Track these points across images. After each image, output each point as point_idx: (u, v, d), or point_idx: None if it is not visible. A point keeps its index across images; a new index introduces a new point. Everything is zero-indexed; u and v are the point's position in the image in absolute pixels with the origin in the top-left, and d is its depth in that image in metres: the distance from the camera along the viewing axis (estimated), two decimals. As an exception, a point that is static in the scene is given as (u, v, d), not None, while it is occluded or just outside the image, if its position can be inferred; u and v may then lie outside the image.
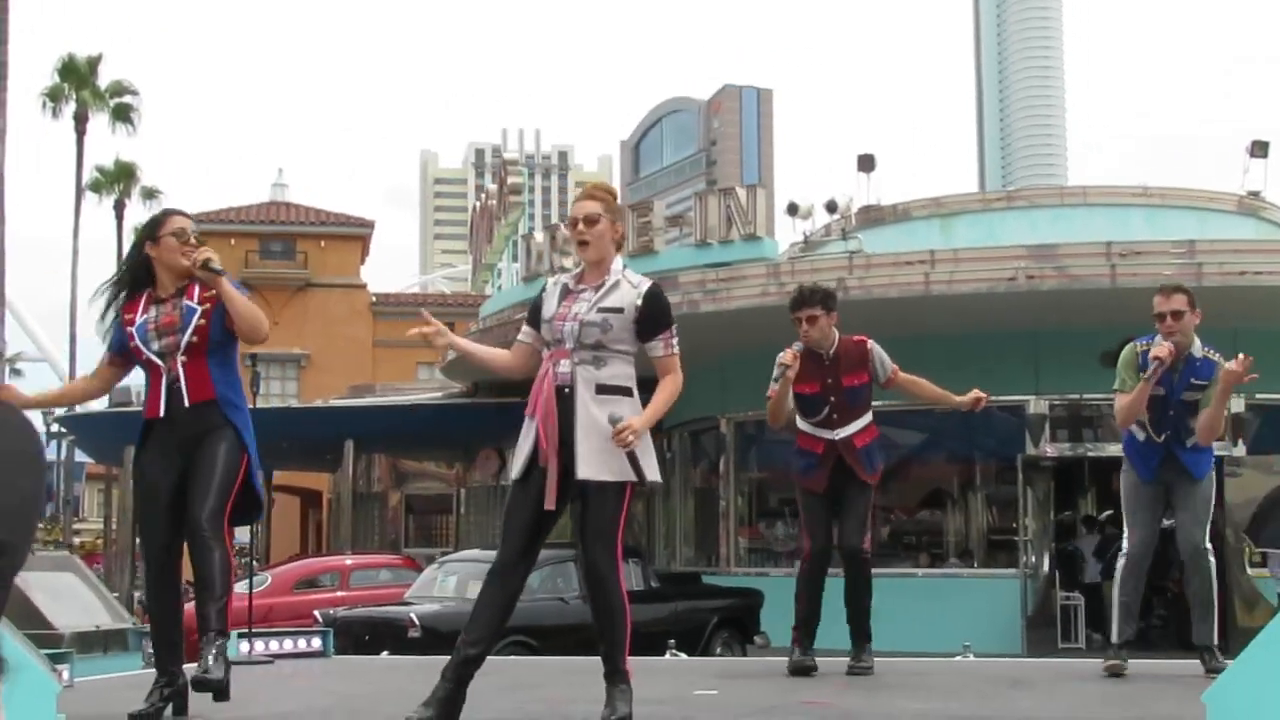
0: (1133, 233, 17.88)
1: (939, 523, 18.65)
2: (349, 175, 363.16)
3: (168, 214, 5.27)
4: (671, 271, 18.10)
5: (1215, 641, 6.53)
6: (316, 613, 13.16)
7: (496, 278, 30.74)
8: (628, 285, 4.77)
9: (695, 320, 16.11)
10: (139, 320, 5.07)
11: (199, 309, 5.01)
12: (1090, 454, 17.55)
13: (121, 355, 5.15)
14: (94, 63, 39.36)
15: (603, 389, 4.66)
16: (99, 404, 39.77)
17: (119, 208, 41.45)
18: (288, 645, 8.05)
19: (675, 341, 4.80)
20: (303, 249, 43.31)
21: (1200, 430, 6.47)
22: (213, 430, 4.96)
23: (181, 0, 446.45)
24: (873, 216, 21.52)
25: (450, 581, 13.54)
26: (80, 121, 38.77)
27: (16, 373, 46.42)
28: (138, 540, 25.88)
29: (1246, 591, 15.23)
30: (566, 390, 4.65)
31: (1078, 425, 17.51)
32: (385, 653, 10.43)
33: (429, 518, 30.28)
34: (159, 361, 5.01)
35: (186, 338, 4.98)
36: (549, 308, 4.81)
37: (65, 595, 9.79)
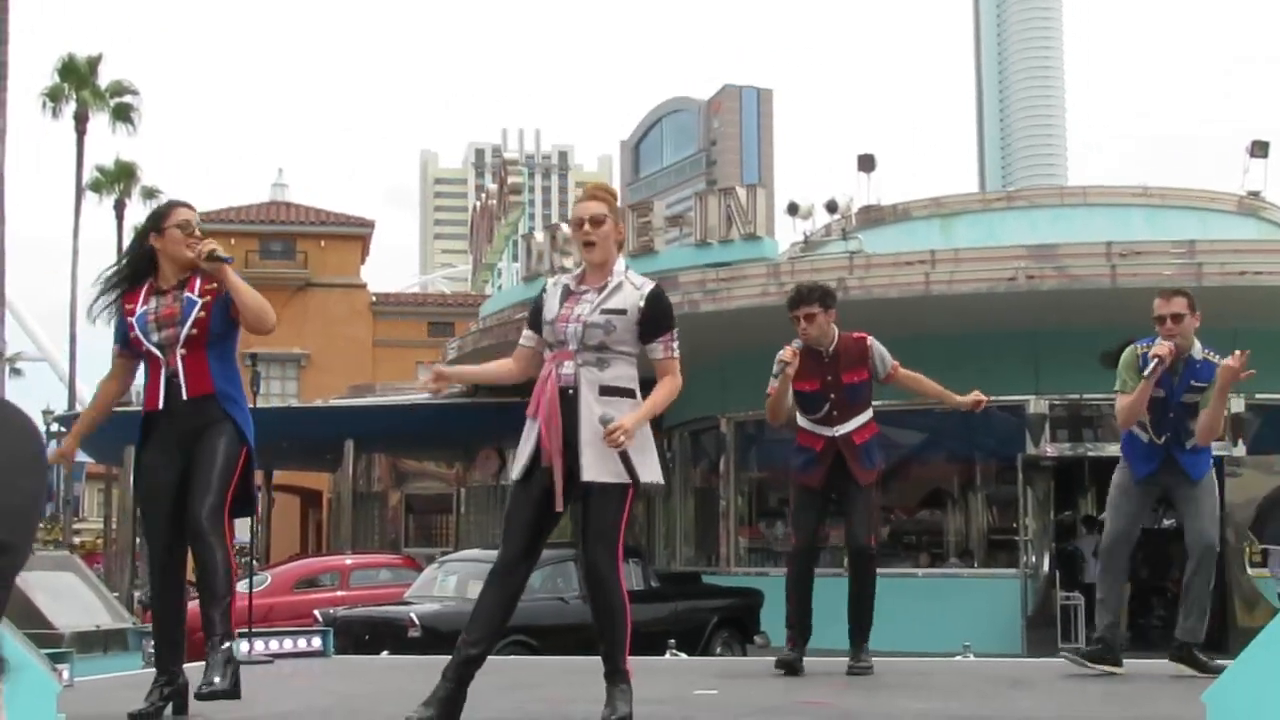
0: (1133, 233, 17.88)
1: (939, 522, 18.65)
2: (349, 175, 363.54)
3: (173, 205, 5.24)
4: (672, 271, 18.11)
5: (1202, 639, 6.52)
6: (316, 612, 13.15)
7: (497, 277, 30.75)
8: (630, 287, 4.77)
9: (695, 320, 16.11)
10: (139, 311, 5.06)
11: (199, 301, 5.00)
12: (1090, 454, 17.55)
13: (128, 348, 5.14)
14: (94, 62, 39.36)
15: (606, 390, 4.66)
16: (99, 404, 39.82)
17: (119, 207, 41.45)
18: (288, 645, 8.05)
19: (676, 345, 4.79)
20: (303, 249, 43.31)
21: (1200, 430, 6.48)
22: (212, 425, 4.95)
23: (181, 0, 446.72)
24: (873, 216, 21.53)
25: (450, 581, 13.55)
26: (80, 121, 38.76)
27: (16, 372, 46.45)
28: (138, 540, 25.92)
29: (1247, 591, 15.24)
30: (570, 391, 4.64)
31: (1078, 425, 17.51)
32: (385, 652, 10.43)
33: (429, 517, 30.28)
34: (158, 354, 5.00)
35: (186, 330, 4.97)
36: (550, 309, 4.80)
37: (65, 595, 9.79)
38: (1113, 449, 13.33)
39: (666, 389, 4.77)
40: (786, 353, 6.63)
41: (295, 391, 40.69)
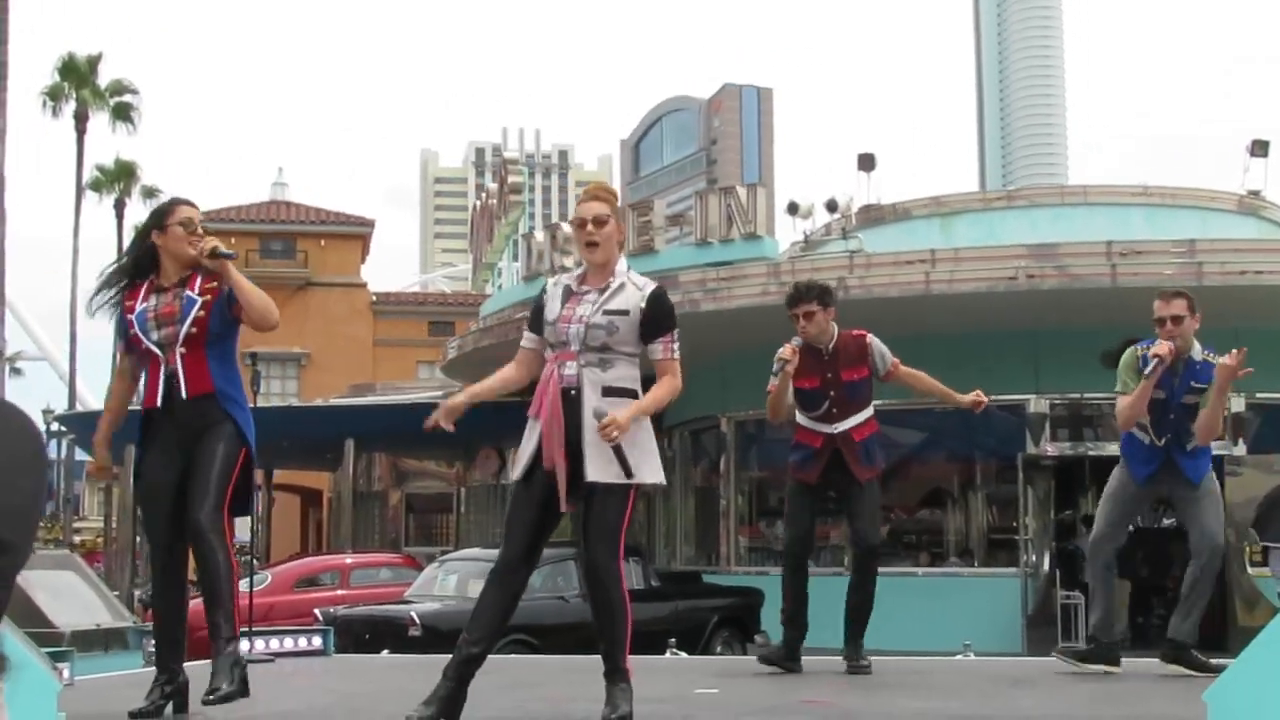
0: (1133, 232, 17.88)
1: (939, 522, 18.65)
2: (349, 175, 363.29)
3: (175, 203, 5.21)
4: (672, 271, 18.10)
5: (1195, 641, 6.52)
6: (317, 611, 13.15)
7: (497, 277, 30.74)
8: (633, 287, 4.77)
9: (696, 319, 16.10)
10: (139, 308, 5.04)
11: (199, 300, 4.97)
12: (1091, 453, 17.54)
13: (130, 345, 5.12)
14: (94, 62, 39.36)
15: (609, 391, 4.66)
16: (99, 403, 39.83)
17: (119, 207, 41.45)
18: (288, 644, 8.05)
19: (676, 346, 4.78)
20: (303, 248, 43.32)
21: (1200, 429, 6.48)
22: (211, 425, 4.94)
23: (181, 0, 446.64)
24: (873, 216, 21.51)
25: (450, 580, 13.55)
26: (80, 120, 38.76)
27: (16, 371, 46.45)
28: (138, 539, 25.92)
29: (1247, 591, 15.24)
30: (573, 392, 4.64)
31: (1078, 424, 17.51)
32: (385, 651, 10.43)
33: (429, 516, 30.28)
34: (157, 352, 4.98)
35: (185, 329, 4.95)
36: (552, 310, 4.79)
37: (66, 594, 9.79)
38: (1113, 448, 13.31)
39: (664, 388, 4.77)
40: (786, 350, 6.64)
41: (295, 391, 40.70)
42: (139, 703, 4.93)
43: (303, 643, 8.15)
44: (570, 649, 9.87)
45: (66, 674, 6.01)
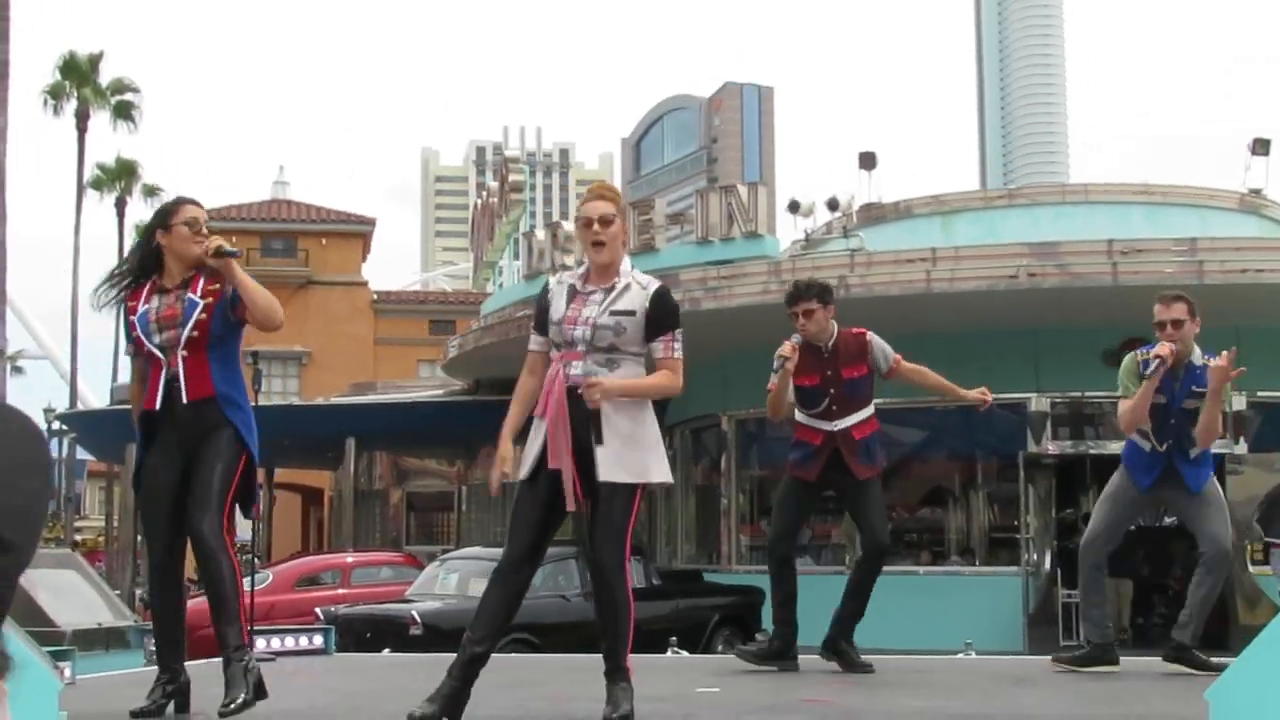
0: (1134, 230, 17.87)
1: (940, 520, 18.64)
2: (350, 174, 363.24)
3: (180, 202, 5.18)
4: (673, 269, 18.09)
5: (1197, 642, 6.52)
6: (318, 610, 13.15)
7: (498, 275, 30.74)
8: (638, 287, 4.77)
9: (696, 318, 16.09)
10: (141, 310, 5.01)
11: (201, 303, 4.94)
12: (1092, 451, 17.53)
13: (132, 336, 5.10)
14: (95, 60, 39.37)
15: None
16: (100, 401, 39.85)
17: (120, 205, 41.48)
18: (289, 643, 8.05)
19: (677, 345, 4.77)
20: (304, 246, 43.30)
21: (1199, 432, 6.48)
22: (212, 431, 4.92)
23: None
24: (874, 214, 21.50)
25: (451, 579, 13.55)
26: (81, 119, 38.77)
27: (18, 370, 46.46)
28: (139, 538, 25.91)
29: (1248, 589, 15.23)
30: (579, 392, 4.64)
31: (1079, 423, 17.50)
32: (387, 650, 10.43)
33: (430, 515, 30.27)
34: (160, 355, 4.96)
35: (187, 332, 4.92)
36: (557, 309, 4.77)
37: (67, 593, 9.80)
38: (1114, 447, 13.34)
39: (662, 379, 4.75)
40: (786, 348, 6.64)
41: (296, 389, 40.68)
42: (140, 702, 4.93)
43: (304, 641, 8.15)
44: (571, 648, 9.88)
45: (68, 673, 6.01)
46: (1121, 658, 6.83)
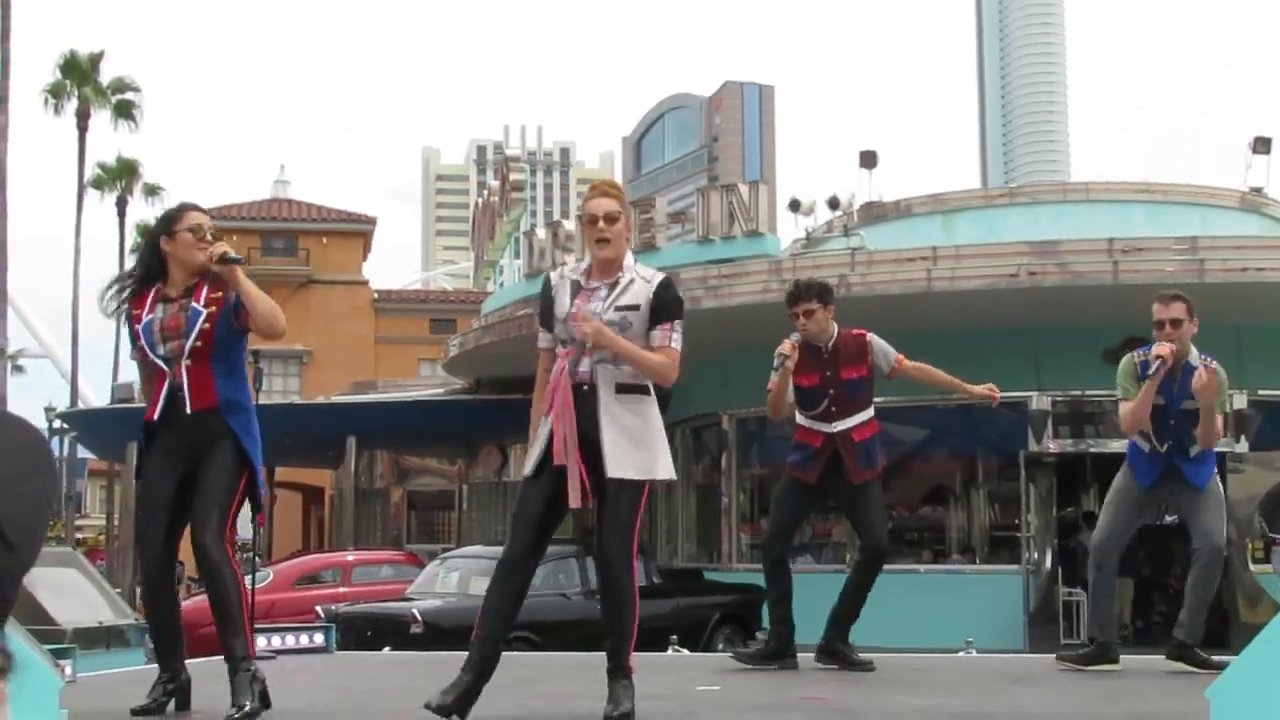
0: (1135, 229, 17.87)
1: (941, 519, 18.64)
2: (350, 174, 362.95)
3: (184, 209, 5.16)
4: (673, 268, 18.05)
5: (1201, 638, 6.53)
6: (319, 608, 13.16)
7: (499, 274, 30.75)
8: (641, 281, 4.77)
9: (697, 317, 16.06)
10: (145, 319, 4.98)
11: (204, 312, 4.91)
12: (1093, 450, 17.54)
13: (137, 345, 5.08)
14: (96, 59, 39.36)
15: (622, 388, 4.66)
16: (100, 400, 39.86)
17: (121, 205, 41.47)
18: (290, 641, 8.05)
19: (676, 336, 4.75)
20: (305, 245, 43.32)
21: (1200, 438, 6.51)
22: (215, 441, 4.88)
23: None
24: (874, 213, 21.50)
25: (452, 578, 13.56)
26: (82, 118, 38.75)
27: (18, 369, 46.47)
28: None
29: (1249, 588, 15.24)
30: (586, 388, 4.64)
31: (1080, 421, 17.50)
32: (387, 648, 10.43)
33: (431, 514, 30.28)
34: (164, 366, 4.93)
35: (190, 342, 4.89)
36: (561, 305, 4.77)
37: (68, 591, 9.79)
38: (1115, 445, 13.37)
39: (660, 357, 4.70)
40: (786, 346, 6.64)
41: (297, 388, 40.70)
42: (141, 700, 4.93)
43: (304, 640, 8.15)
44: (572, 646, 9.87)
45: (69, 671, 6.02)
46: (1122, 656, 6.83)
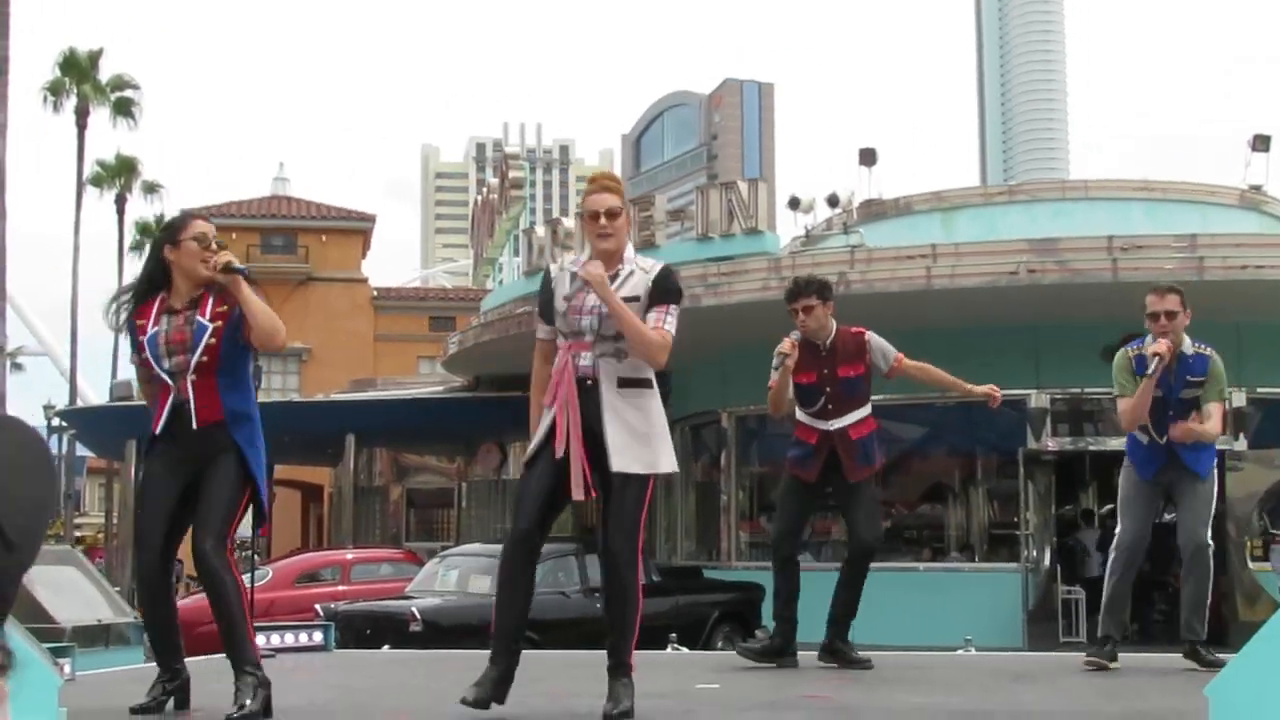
0: (1134, 227, 17.87)
1: (940, 517, 18.65)
2: (350, 173, 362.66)
3: (189, 218, 5.11)
4: (673, 266, 18.10)
5: (1204, 636, 6.54)
6: (318, 607, 13.15)
7: (498, 272, 30.74)
8: (641, 273, 4.78)
9: (696, 314, 16.10)
10: (150, 331, 4.93)
11: (210, 326, 4.87)
12: (1091, 448, 17.55)
13: (143, 360, 5.02)
14: (95, 57, 39.34)
15: (624, 382, 4.66)
16: (100, 398, 39.86)
17: (120, 202, 41.45)
18: (289, 639, 8.05)
19: (670, 319, 4.73)
20: (304, 243, 43.31)
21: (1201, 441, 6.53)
22: (219, 454, 4.86)
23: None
24: (874, 210, 21.50)
25: (451, 576, 13.55)
26: (81, 116, 38.74)
27: (18, 367, 46.46)
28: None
29: (1248, 586, 15.26)
30: (589, 382, 4.64)
31: (1079, 419, 17.50)
32: (386, 647, 10.43)
33: (430, 512, 30.28)
34: (169, 380, 4.89)
35: (196, 358, 4.86)
36: (561, 298, 4.77)
37: (67, 589, 9.78)
38: (1114, 443, 13.35)
39: (653, 332, 4.66)
40: (785, 345, 6.65)
41: (296, 386, 40.70)
42: (140, 698, 4.93)
43: (304, 638, 8.15)
44: (571, 644, 9.87)
45: (68, 669, 6.02)
46: (1120, 654, 6.83)
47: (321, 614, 12.25)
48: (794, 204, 21.67)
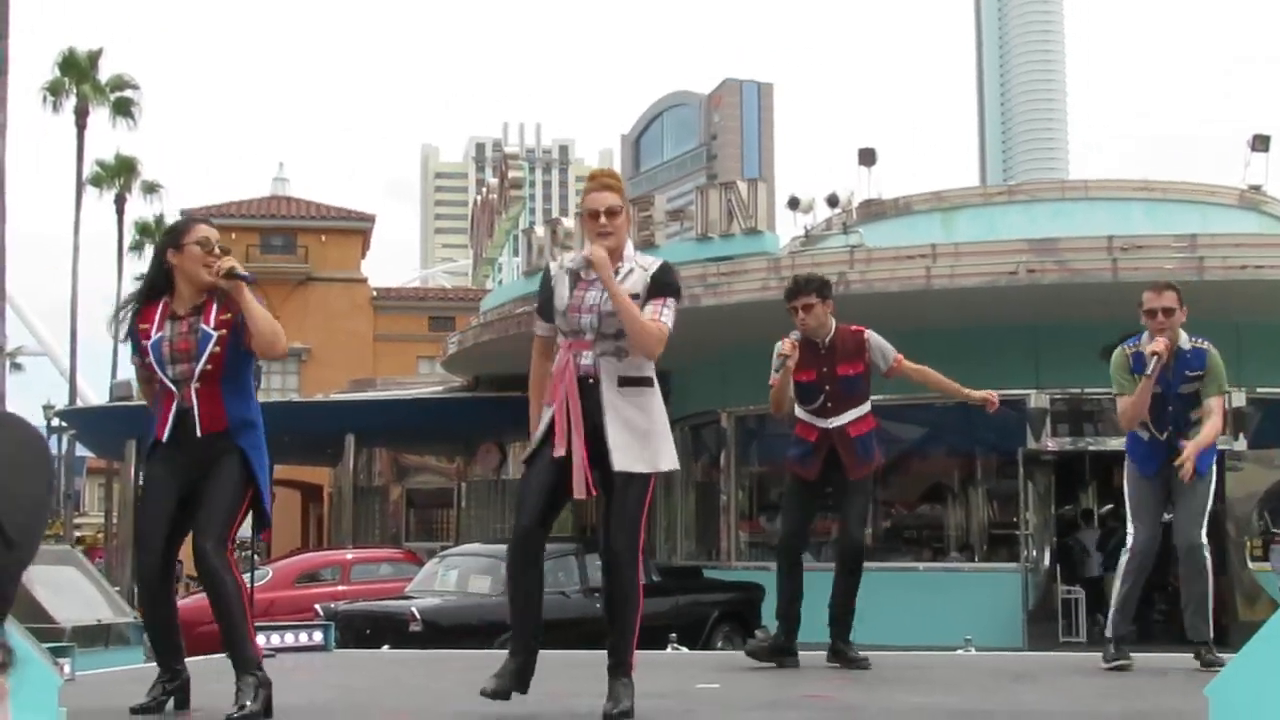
0: (1134, 227, 17.87)
1: (940, 517, 18.65)
2: (350, 173, 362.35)
3: (192, 222, 5.10)
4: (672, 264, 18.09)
5: (1210, 637, 6.54)
6: (317, 607, 13.14)
7: (497, 272, 30.74)
8: (641, 270, 4.77)
9: (696, 314, 16.10)
10: (154, 337, 4.91)
11: (214, 335, 4.85)
12: (1091, 448, 17.54)
13: (144, 363, 5.01)
14: (94, 57, 39.34)
15: (625, 381, 4.66)
16: (99, 398, 39.86)
17: (120, 202, 41.44)
18: (289, 639, 8.05)
19: (667, 312, 4.72)
20: (303, 243, 43.32)
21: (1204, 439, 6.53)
22: (222, 457, 4.86)
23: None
24: (873, 210, 21.49)
25: (451, 576, 13.54)
26: (81, 116, 38.73)
27: (17, 367, 46.45)
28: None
29: (1248, 585, 15.25)
30: (590, 381, 4.63)
31: (1078, 419, 17.50)
32: (386, 647, 10.43)
33: (430, 512, 30.28)
34: (172, 387, 4.88)
35: (201, 366, 4.85)
36: (561, 296, 4.76)
37: (67, 589, 9.78)
38: (1114, 443, 13.34)
39: (650, 323, 4.65)
40: (785, 345, 6.66)
41: (296, 386, 40.71)
42: (140, 698, 4.93)
43: (304, 638, 8.15)
44: (571, 644, 9.86)
45: (68, 669, 6.01)
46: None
47: (321, 614, 12.25)
48: (793, 204, 21.66)
